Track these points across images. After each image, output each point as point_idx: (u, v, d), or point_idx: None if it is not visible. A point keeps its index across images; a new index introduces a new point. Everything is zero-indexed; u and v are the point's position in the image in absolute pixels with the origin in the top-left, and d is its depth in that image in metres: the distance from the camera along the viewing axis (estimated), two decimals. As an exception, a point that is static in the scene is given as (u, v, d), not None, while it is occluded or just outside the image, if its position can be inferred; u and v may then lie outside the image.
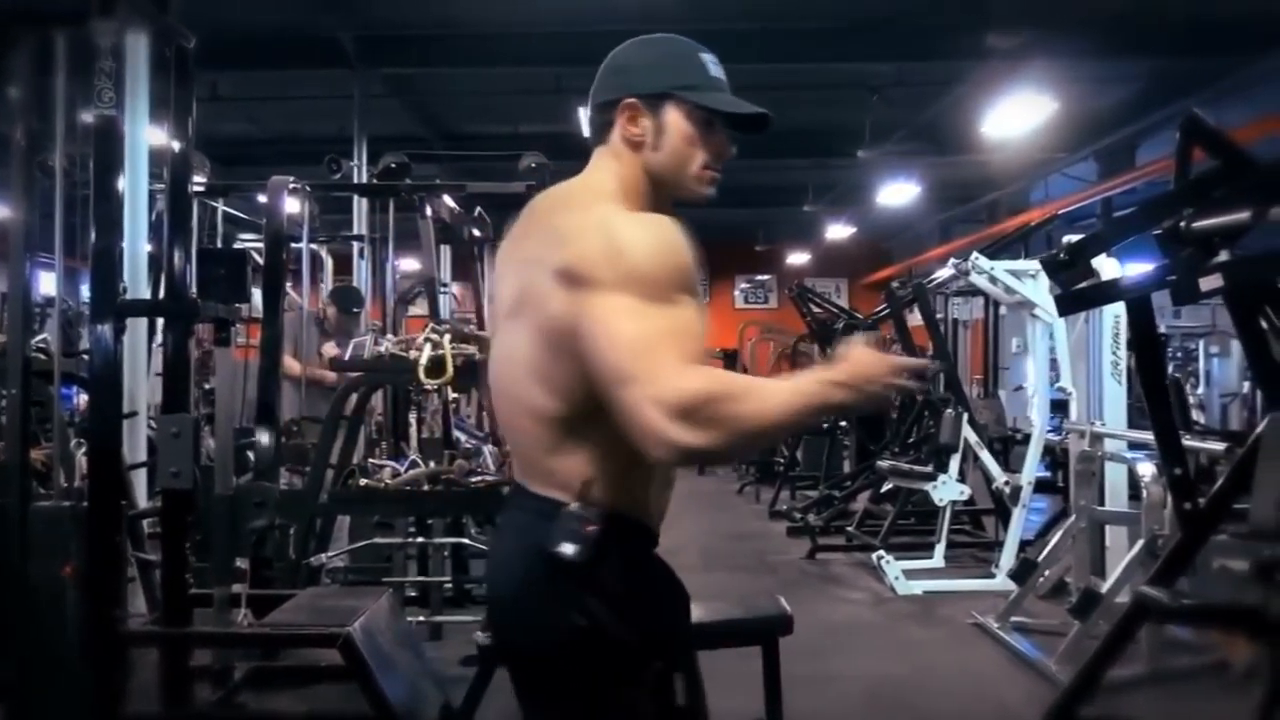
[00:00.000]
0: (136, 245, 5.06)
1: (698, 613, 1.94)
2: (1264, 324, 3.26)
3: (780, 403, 1.56)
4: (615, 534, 1.67)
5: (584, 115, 8.71)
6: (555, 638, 1.69)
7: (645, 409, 1.50)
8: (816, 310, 10.96)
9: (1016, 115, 8.86)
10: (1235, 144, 3.32)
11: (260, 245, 5.61)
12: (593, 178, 1.80)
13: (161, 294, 4.14)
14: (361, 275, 7.74)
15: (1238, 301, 3.18)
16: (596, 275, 1.57)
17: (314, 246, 7.17)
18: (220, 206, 6.79)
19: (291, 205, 5.71)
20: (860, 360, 1.61)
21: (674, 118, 1.77)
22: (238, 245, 7.15)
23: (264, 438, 4.25)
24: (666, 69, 1.79)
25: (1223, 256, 3.00)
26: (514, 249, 1.79)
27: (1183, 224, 2.96)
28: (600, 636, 1.67)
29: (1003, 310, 11.37)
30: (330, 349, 6.60)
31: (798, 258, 18.37)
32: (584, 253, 1.60)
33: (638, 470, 1.68)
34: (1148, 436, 5.04)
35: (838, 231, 15.93)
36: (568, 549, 1.63)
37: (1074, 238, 3.50)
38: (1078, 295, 3.49)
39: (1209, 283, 2.90)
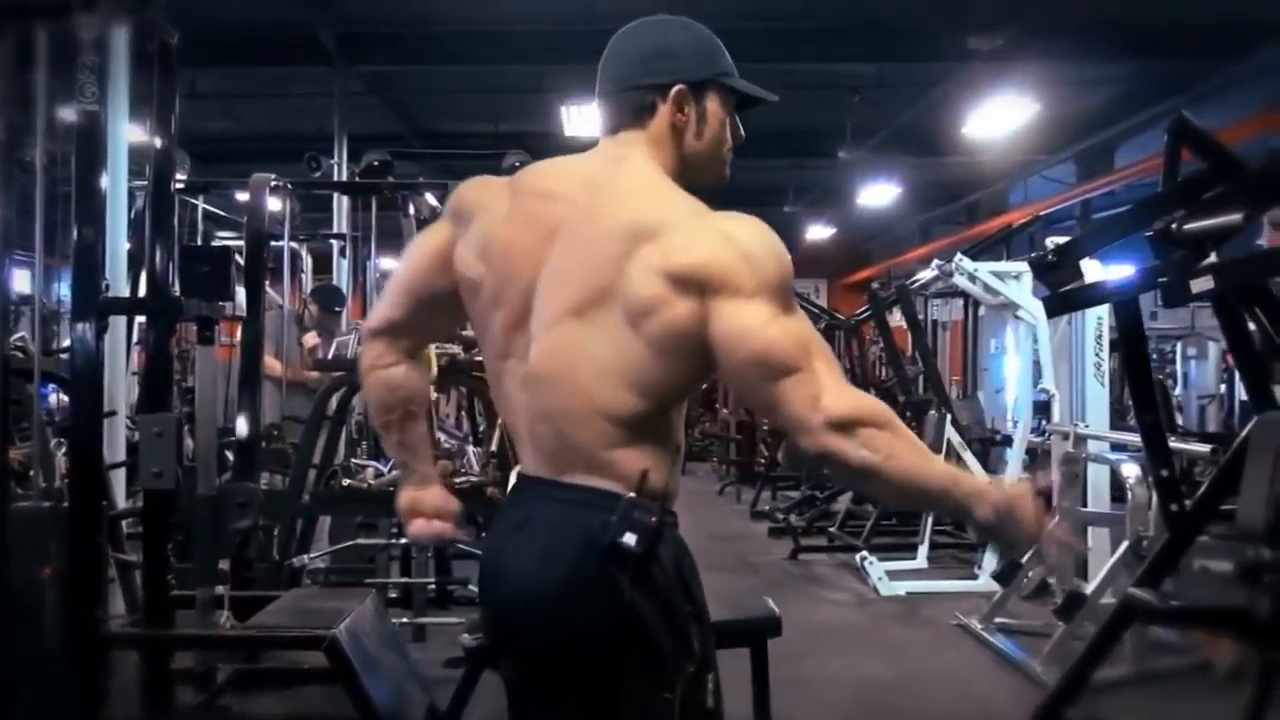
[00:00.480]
0: (116, 243, 5.00)
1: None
2: (1252, 325, 3.28)
3: (934, 472, 1.64)
4: (668, 524, 1.65)
5: (582, 106, 8.74)
6: (602, 631, 1.63)
7: (807, 404, 1.55)
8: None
9: (997, 117, 8.90)
10: (1223, 146, 3.34)
11: (240, 243, 5.56)
12: (642, 167, 1.75)
13: (143, 292, 4.08)
14: (342, 274, 7.70)
15: (1226, 303, 3.19)
16: (734, 282, 1.58)
17: (294, 245, 7.12)
18: (200, 204, 6.74)
19: (273, 203, 5.67)
20: (1025, 506, 1.64)
21: (714, 105, 1.78)
22: (217, 243, 7.09)
23: (244, 434, 4.22)
24: (711, 55, 1.80)
25: (1212, 258, 3.01)
26: (542, 234, 1.71)
27: (1174, 225, 2.96)
28: (647, 630, 1.62)
29: (981, 311, 11.40)
30: (311, 339, 6.56)
31: (777, 258, 18.37)
32: (711, 259, 1.60)
33: (678, 460, 1.71)
34: (1131, 438, 5.06)
35: (817, 232, 15.96)
36: (629, 539, 1.59)
37: (1061, 239, 3.51)
38: (1066, 297, 3.49)
39: (1200, 284, 2.91)
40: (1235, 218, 2.77)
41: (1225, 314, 3.34)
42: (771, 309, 1.58)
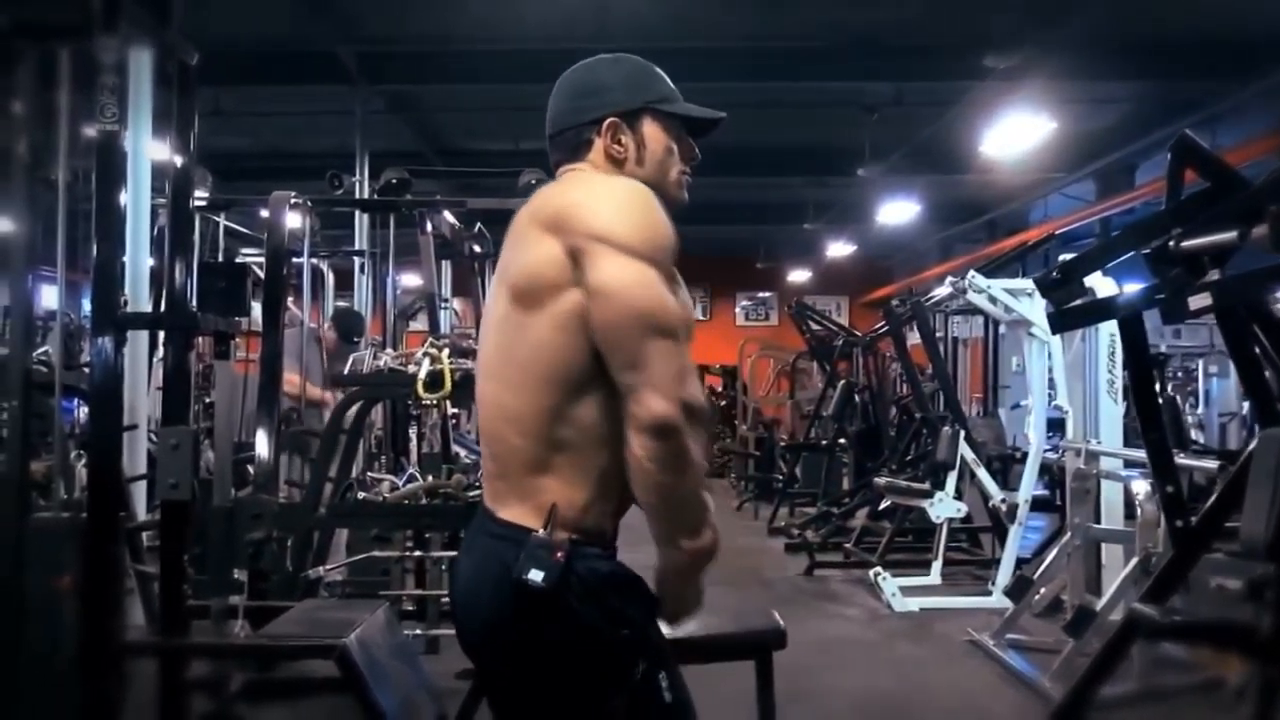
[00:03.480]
0: (139, 260, 5.06)
1: (690, 627, 1.96)
2: (1254, 342, 3.30)
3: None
4: (580, 558, 1.71)
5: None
6: (530, 659, 1.73)
7: (674, 376, 1.63)
8: (815, 327, 11.01)
9: (1015, 135, 8.91)
10: (1225, 165, 3.36)
11: (261, 260, 5.64)
12: (579, 173, 1.87)
13: (162, 307, 4.16)
14: (362, 291, 7.78)
15: (1228, 320, 3.21)
16: (624, 235, 1.67)
17: (315, 261, 7.21)
18: (222, 221, 6.82)
19: (293, 220, 5.75)
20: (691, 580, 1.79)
21: (652, 130, 1.86)
22: (239, 260, 7.17)
23: (263, 450, 4.28)
24: (640, 85, 1.88)
25: (1213, 276, 3.03)
26: (501, 265, 1.84)
27: (1171, 243, 2.99)
28: (573, 654, 1.71)
29: (1002, 329, 11.40)
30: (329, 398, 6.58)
31: (798, 275, 18.41)
32: (590, 213, 1.69)
33: (605, 483, 1.74)
34: (1143, 455, 5.07)
35: (838, 249, 15.97)
36: (535, 576, 1.66)
37: (1067, 257, 3.54)
38: (1069, 313, 3.52)
39: (1198, 301, 2.93)
40: (1230, 235, 2.80)
41: (1229, 331, 3.36)
42: (645, 269, 1.65)
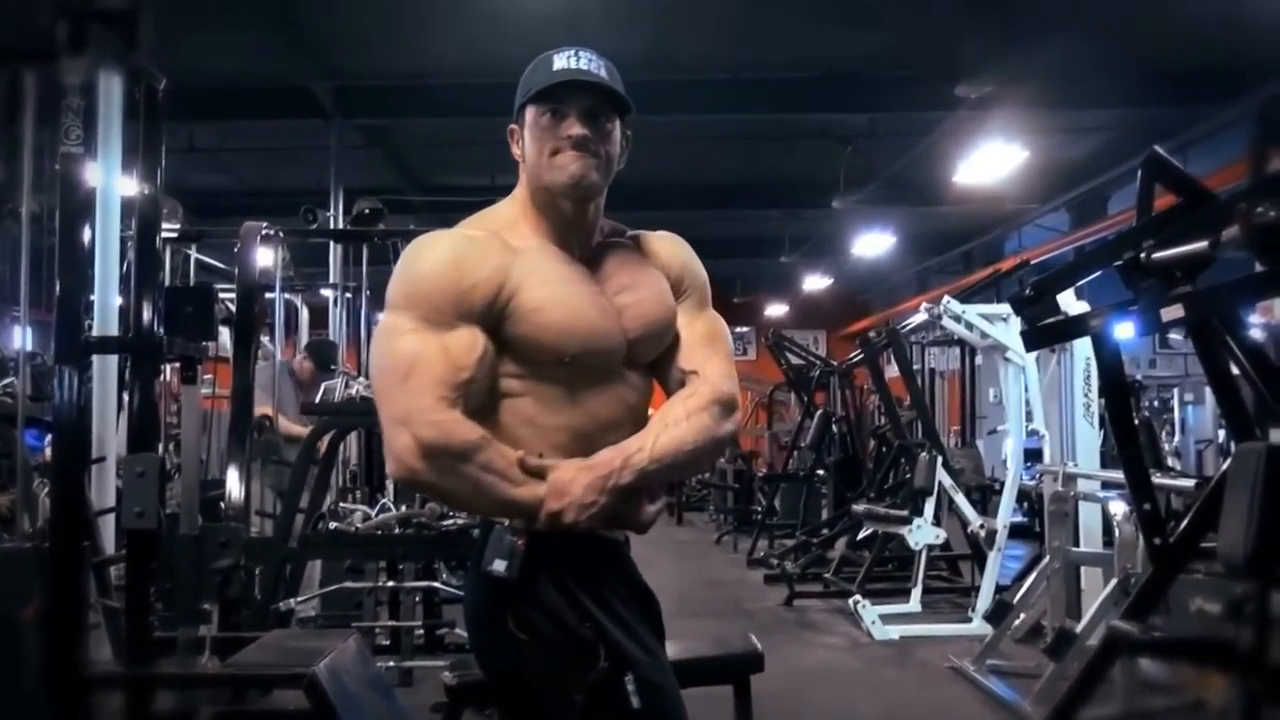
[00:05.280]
0: (107, 295, 4.96)
1: (667, 651, 1.93)
2: (1227, 355, 3.29)
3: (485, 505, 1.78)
4: (545, 547, 1.73)
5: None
6: (502, 655, 1.75)
7: (398, 430, 1.69)
8: (794, 359, 11.01)
9: (988, 165, 8.97)
10: (1195, 180, 3.36)
11: (234, 294, 5.59)
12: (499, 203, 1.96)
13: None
14: (337, 324, 7.74)
15: (1201, 333, 3.21)
16: (389, 295, 1.78)
17: (289, 296, 7.17)
18: (193, 254, 6.78)
19: (265, 256, 5.71)
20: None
21: (529, 120, 1.87)
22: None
23: (234, 483, 4.23)
24: (521, 87, 1.90)
25: (1185, 289, 3.03)
26: None
27: (1143, 255, 2.99)
28: (542, 649, 1.72)
29: (979, 360, 11.42)
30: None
31: (775, 309, 18.46)
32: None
33: None
34: (1120, 476, 5.06)
35: (815, 283, 16.03)
36: (499, 566, 1.71)
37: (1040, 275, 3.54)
38: (1043, 330, 3.51)
39: (1170, 313, 2.93)
40: (1202, 245, 2.79)
41: (1202, 344, 3.35)
42: (402, 320, 1.74)
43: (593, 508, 1.69)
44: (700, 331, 1.97)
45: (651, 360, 1.94)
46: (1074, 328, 3.61)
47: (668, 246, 2.02)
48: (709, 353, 1.94)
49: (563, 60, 1.85)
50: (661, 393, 1.96)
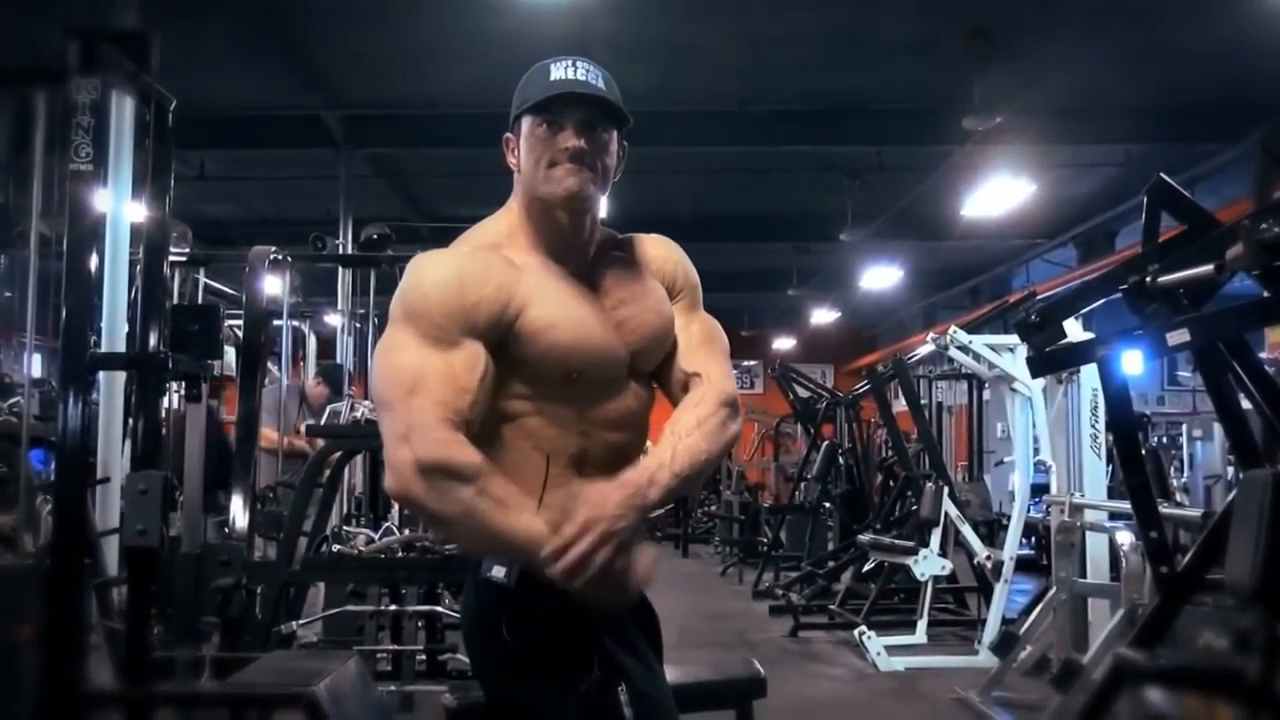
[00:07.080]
0: (115, 314, 4.98)
1: (669, 676, 1.92)
2: (1234, 383, 3.28)
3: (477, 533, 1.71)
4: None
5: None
6: (497, 661, 1.76)
7: (396, 439, 1.67)
8: (800, 391, 11.00)
9: (995, 199, 8.98)
10: (1200, 208, 3.37)
11: (242, 321, 5.60)
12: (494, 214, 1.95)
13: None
14: (345, 352, 7.76)
15: (1207, 358, 3.19)
16: (392, 310, 1.77)
17: (296, 323, 7.18)
18: (202, 279, 6.80)
19: (273, 284, 5.71)
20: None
21: (525, 130, 1.86)
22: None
23: (238, 506, 4.22)
24: (517, 97, 1.88)
25: (1191, 313, 3.02)
26: None
27: (1149, 279, 2.98)
28: (536, 657, 1.72)
29: (987, 394, 11.40)
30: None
31: (783, 343, 18.46)
32: None
33: (555, 491, 1.77)
34: (1127, 507, 5.03)
35: (822, 316, 16.04)
36: (498, 572, 1.73)
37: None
38: (1049, 356, 3.50)
39: (1176, 337, 2.91)
40: (1207, 268, 2.79)
41: (1207, 369, 3.34)
42: (404, 337, 1.74)
43: (621, 521, 1.65)
44: (698, 333, 1.98)
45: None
46: (1080, 353, 3.60)
47: (660, 249, 2.03)
48: (708, 354, 1.96)
49: (560, 70, 1.83)
50: (662, 394, 1.99)
